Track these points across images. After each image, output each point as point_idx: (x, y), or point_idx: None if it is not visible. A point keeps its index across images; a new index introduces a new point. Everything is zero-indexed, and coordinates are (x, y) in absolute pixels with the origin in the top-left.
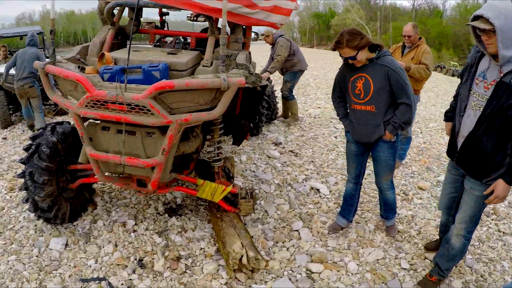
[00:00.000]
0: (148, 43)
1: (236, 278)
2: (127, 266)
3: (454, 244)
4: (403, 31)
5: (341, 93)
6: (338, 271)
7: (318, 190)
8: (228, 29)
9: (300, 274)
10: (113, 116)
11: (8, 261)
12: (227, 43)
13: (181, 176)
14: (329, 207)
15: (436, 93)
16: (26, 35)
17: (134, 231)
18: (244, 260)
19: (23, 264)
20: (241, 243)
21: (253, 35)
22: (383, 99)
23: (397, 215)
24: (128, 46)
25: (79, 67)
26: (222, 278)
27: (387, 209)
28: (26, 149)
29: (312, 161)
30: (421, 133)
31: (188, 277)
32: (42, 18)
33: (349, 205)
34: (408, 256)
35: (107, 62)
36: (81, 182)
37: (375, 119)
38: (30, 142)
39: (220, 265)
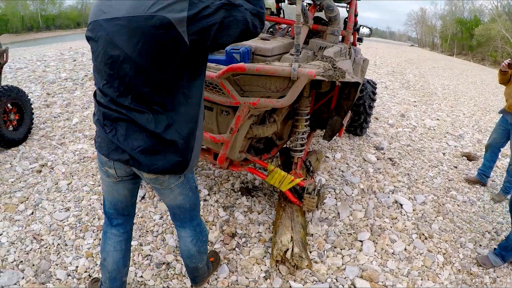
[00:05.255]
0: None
1: (278, 269)
2: None
3: None
4: None
5: None
6: None
7: (401, 205)
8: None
9: (343, 286)
10: None
11: (90, 199)
12: (325, 34)
13: (253, 158)
14: (405, 226)
15: None
16: None
17: (205, 200)
18: (288, 254)
19: (101, 204)
20: (291, 236)
21: (366, 30)
22: None
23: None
24: None
25: None
26: (265, 265)
27: (504, 245)
28: None
29: (408, 174)
30: None
31: (234, 255)
32: None
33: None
34: None
35: None
36: None
37: None
38: None
39: (268, 252)
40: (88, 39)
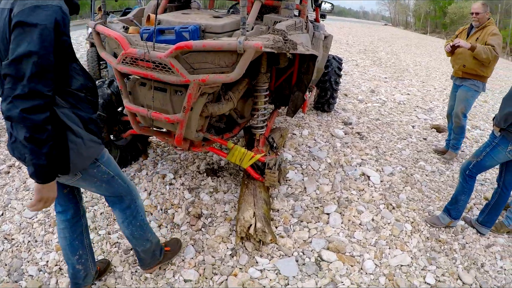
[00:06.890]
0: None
1: (244, 246)
2: (152, 214)
3: None
4: (471, 8)
5: None
6: (352, 266)
7: (368, 177)
8: None
9: (309, 258)
10: (141, 73)
11: None
12: (280, 9)
13: (213, 137)
14: (372, 197)
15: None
16: None
17: (171, 184)
18: (252, 230)
19: None
20: (254, 212)
21: (328, 6)
22: None
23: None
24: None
25: (124, 27)
26: (231, 243)
27: (450, 199)
28: None
29: (376, 147)
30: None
31: (201, 235)
32: None
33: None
34: (438, 271)
35: (151, 24)
36: (131, 133)
37: None
38: None
39: (233, 230)
40: None
